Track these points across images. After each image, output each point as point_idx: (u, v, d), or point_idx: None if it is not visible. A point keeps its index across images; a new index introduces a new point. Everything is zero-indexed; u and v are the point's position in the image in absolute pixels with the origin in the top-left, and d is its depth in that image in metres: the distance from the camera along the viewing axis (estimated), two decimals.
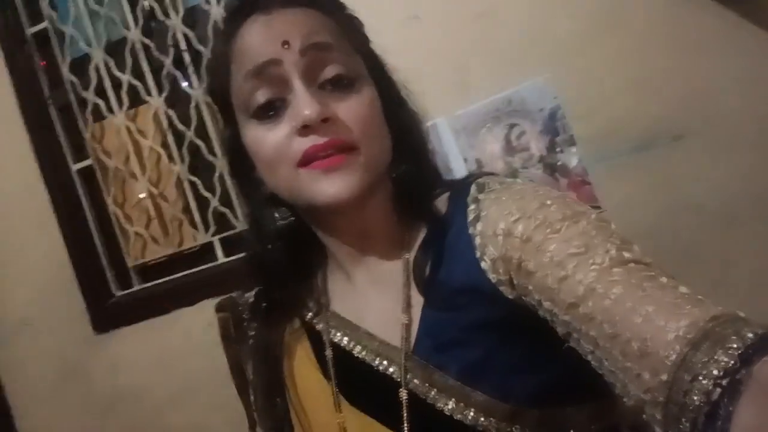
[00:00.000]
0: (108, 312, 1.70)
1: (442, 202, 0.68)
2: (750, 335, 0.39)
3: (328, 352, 0.70)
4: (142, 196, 1.67)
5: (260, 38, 0.61)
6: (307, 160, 0.60)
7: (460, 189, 0.66)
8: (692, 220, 1.40)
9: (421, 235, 0.67)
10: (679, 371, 0.41)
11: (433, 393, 0.61)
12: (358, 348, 0.68)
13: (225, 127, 0.70)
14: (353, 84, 0.62)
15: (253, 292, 0.79)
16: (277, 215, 0.69)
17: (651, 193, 1.42)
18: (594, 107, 1.44)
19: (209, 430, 1.64)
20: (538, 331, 0.56)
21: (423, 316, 0.64)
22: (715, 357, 0.39)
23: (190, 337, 1.64)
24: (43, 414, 1.75)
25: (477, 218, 0.61)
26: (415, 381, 0.62)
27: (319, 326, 0.73)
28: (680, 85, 1.40)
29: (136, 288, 1.71)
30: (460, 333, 0.61)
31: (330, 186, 0.60)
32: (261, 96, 0.61)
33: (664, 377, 0.42)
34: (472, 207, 0.62)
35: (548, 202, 0.56)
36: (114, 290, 1.71)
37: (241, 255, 1.54)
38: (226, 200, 1.63)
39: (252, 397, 0.77)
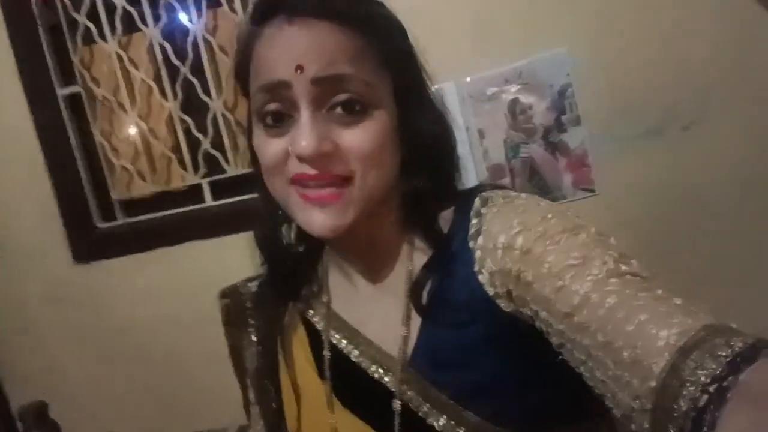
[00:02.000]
0: (89, 243, 1.67)
1: (447, 216, 0.67)
2: (739, 344, 0.40)
3: (326, 353, 0.70)
4: (132, 132, 1.61)
5: (276, 54, 0.58)
6: (298, 183, 0.60)
7: (464, 202, 0.65)
8: (690, 211, 1.41)
9: (424, 248, 0.67)
10: (668, 378, 0.41)
11: (426, 407, 0.62)
12: (356, 352, 0.68)
13: (247, 113, 0.68)
14: (365, 109, 0.59)
15: (256, 282, 0.79)
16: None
17: (651, 181, 1.42)
18: (606, 89, 1.41)
19: (189, 361, 1.67)
20: (534, 349, 0.56)
21: (421, 330, 0.64)
22: (704, 364, 0.39)
23: (171, 276, 1.64)
24: (22, 338, 1.76)
25: (478, 232, 0.61)
26: (410, 393, 0.63)
27: (319, 325, 0.72)
28: (694, 74, 1.37)
29: (119, 221, 1.68)
30: (457, 353, 0.61)
31: (316, 220, 0.59)
32: (269, 108, 0.60)
33: (653, 384, 0.42)
34: (474, 221, 0.62)
35: (549, 216, 0.57)
36: (96, 222, 1.68)
37: (231, 199, 1.56)
38: (218, 143, 1.59)
39: (248, 382, 0.78)
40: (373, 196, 0.61)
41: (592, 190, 1.45)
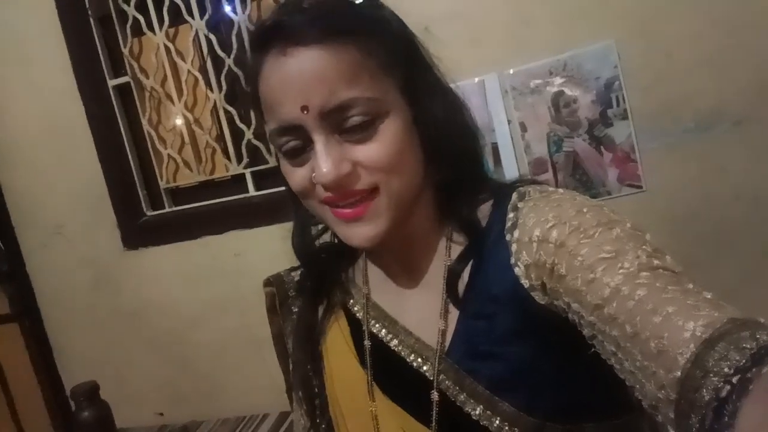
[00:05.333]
0: (138, 230, 1.74)
1: (485, 210, 0.68)
2: (765, 337, 0.40)
3: (367, 342, 0.72)
4: (179, 122, 1.65)
5: (279, 95, 0.59)
6: (329, 204, 0.62)
7: (502, 197, 0.66)
8: (737, 210, 1.36)
9: (462, 242, 0.68)
10: (692, 368, 0.41)
11: (462, 397, 0.63)
12: (395, 342, 0.70)
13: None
14: (374, 122, 0.59)
15: (299, 272, 0.81)
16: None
17: (700, 179, 1.37)
18: (654, 82, 1.37)
19: (232, 346, 1.72)
20: (567, 342, 0.57)
21: (459, 323, 0.66)
22: (728, 356, 0.39)
23: (215, 264, 1.68)
24: (71, 320, 1.84)
25: (514, 225, 0.61)
26: (447, 383, 0.64)
27: (359, 314, 0.74)
28: (748, 69, 1.31)
29: (167, 210, 1.74)
30: (493, 344, 0.62)
31: (354, 235, 0.62)
32: (287, 147, 0.62)
33: (678, 374, 0.42)
34: (510, 215, 0.62)
35: (584, 210, 0.57)
36: (145, 209, 1.74)
37: (273, 190, 1.58)
38: (260, 133, 1.61)
39: (291, 369, 0.81)
40: (402, 200, 0.62)
41: (640, 186, 1.41)
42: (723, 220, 1.36)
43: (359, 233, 0.62)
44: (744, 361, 0.39)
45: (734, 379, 0.38)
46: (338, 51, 0.58)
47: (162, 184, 1.72)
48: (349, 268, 0.79)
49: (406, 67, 0.63)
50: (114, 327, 1.80)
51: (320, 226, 0.77)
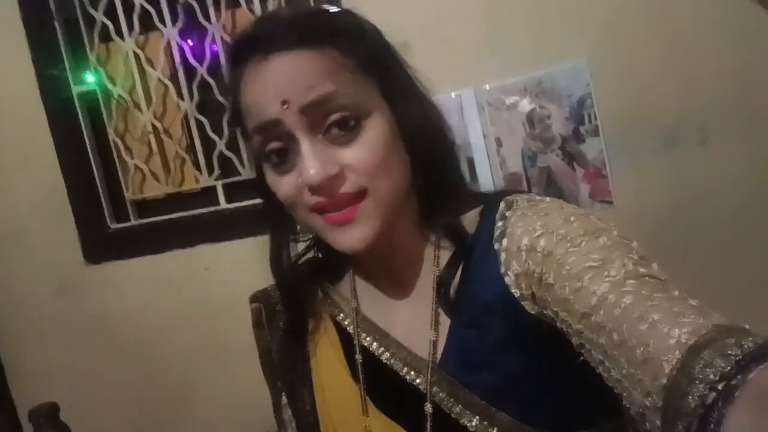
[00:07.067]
0: (101, 244, 1.66)
1: (472, 217, 0.68)
2: (750, 344, 0.40)
3: (359, 356, 0.71)
4: (147, 131, 1.60)
5: (260, 96, 0.60)
6: (317, 210, 0.62)
7: (489, 206, 0.66)
8: (705, 217, 1.41)
9: (450, 250, 0.68)
10: (678, 375, 0.41)
11: (458, 409, 0.63)
12: (387, 355, 0.69)
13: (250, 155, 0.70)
14: (359, 121, 0.60)
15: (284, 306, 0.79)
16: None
17: (668, 190, 1.43)
18: (624, 100, 1.42)
19: (199, 363, 1.66)
20: (557, 351, 0.57)
21: (450, 333, 0.65)
22: (714, 362, 0.40)
23: (182, 279, 1.63)
24: (29, 330, 1.74)
25: (503, 234, 0.61)
26: (441, 395, 0.64)
27: (349, 328, 0.73)
28: (715, 83, 1.38)
29: (132, 222, 1.67)
30: (485, 354, 0.62)
31: (345, 239, 0.62)
32: (270, 147, 0.62)
33: (663, 381, 0.42)
34: (499, 224, 0.62)
35: (572, 219, 0.58)
36: (109, 222, 1.67)
37: (246, 203, 1.55)
38: (233, 145, 1.58)
39: (279, 385, 0.79)
40: (390, 203, 0.62)
41: (610, 202, 1.45)
42: (690, 233, 1.42)
43: (349, 237, 0.61)
44: (729, 368, 0.39)
45: (720, 386, 0.38)
46: (318, 51, 0.59)
47: (128, 196, 1.66)
48: (336, 283, 0.78)
49: (385, 71, 0.64)
50: (73, 344, 1.71)
51: (301, 246, 0.77)
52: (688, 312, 0.46)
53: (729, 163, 1.40)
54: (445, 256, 0.67)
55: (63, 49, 1.59)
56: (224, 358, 1.61)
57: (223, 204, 1.62)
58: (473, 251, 0.65)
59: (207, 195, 1.64)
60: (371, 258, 0.71)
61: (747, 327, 0.43)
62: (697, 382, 0.40)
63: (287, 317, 0.77)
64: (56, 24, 1.58)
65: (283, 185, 0.62)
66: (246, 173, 1.58)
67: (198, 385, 1.68)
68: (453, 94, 1.47)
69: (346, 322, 0.74)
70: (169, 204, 1.66)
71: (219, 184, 1.61)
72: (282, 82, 0.58)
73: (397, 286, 0.71)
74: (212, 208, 1.62)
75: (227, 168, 1.60)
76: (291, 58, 0.59)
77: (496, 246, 0.61)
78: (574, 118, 1.44)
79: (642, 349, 0.45)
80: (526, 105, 1.45)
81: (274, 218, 0.71)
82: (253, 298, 0.81)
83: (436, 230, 0.69)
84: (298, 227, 0.73)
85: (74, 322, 1.71)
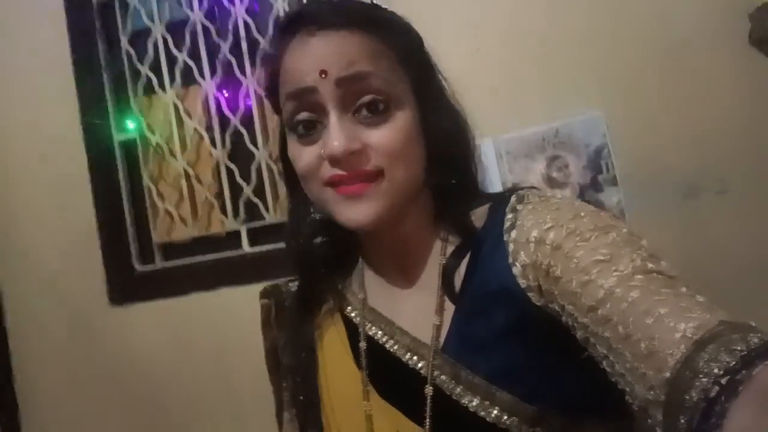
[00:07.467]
0: (126, 286, 1.70)
1: (481, 213, 0.69)
2: (755, 340, 0.40)
3: (363, 344, 0.72)
4: (179, 177, 1.68)
5: (301, 63, 0.63)
6: (332, 184, 0.64)
7: (500, 200, 0.68)
8: (725, 270, 1.38)
9: (457, 243, 0.69)
10: (682, 369, 0.41)
11: (459, 389, 0.63)
12: (391, 342, 0.70)
13: (279, 126, 0.73)
14: (389, 108, 0.63)
15: (297, 282, 0.81)
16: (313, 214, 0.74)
17: (686, 240, 1.41)
18: (641, 150, 1.44)
19: (210, 412, 1.64)
20: (561, 345, 0.57)
21: (454, 319, 0.66)
22: (718, 357, 0.40)
23: (205, 322, 1.64)
24: (45, 372, 1.75)
25: (512, 226, 0.62)
26: (442, 377, 0.64)
27: (357, 319, 0.75)
28: (733, 136, 1.39)
29: (158, 266, 1.72)
30: (488, 337, 0.63)
31: (353, 213, 0.63)
32: (299, 116, 0.64)
33: (667, 375, 0.42)
34: (509, 216, 0.64)
35: (582, 214, 0.58)
36: (136, 265, 1.71)
37: (268, 247, 1.58)
38: (259, 191, 1.64)
39: (284, 382, 0.79)
40: (403, 189, 0.64)
41: None
42: (708, 285, 1.38)
43: (358, 211, 0.63)
44: (734, 362, 0.39)
45: (723, 380, 0.38)
46: (364, 35, 0.63)
47: (156, 238, 1.72)
48: (346, 277, 0.79)
49: (420, 69, 0.68)
50: (89, 381, 1.71)
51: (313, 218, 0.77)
52: (695, 308, 0.46)
53: (749, 215, 1.39)
54: (452, 247, 0.69)
55: (108, 100, 1.71)
56: (238, 411, 1.58)
57: (246, 248, 1.66)
58: (483, 243, 0.66)
59: (231, 239, 1.68)
60: (381, 251, 0.73)
61: (753, 324, 0.43)
62: (701, 375, 0.40)
63: (298, 286, 0.78)
64: (104, 76, 1.71)
65: (305, 155, 0.65)
66: (270, 218, 1.63)
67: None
68: None
69: (353, 314, 0.75)
70: (194, 247, 1.71)
71: (244, 229, 1.66)
72: (324, 54, 0.62)
73: (404, 276, 0.72)
74: (235, 252, 1.66)
75: (252, 212, 1.65)
76: (336, 36, 0.62)
77: (505, 237, 0.62)
78: (591, 167, 1.47)
79: (647, 342, 0.45)
80: (544, 155, 1.49)
81: (294, 190, 0.73)
82: (264, 293, 0.82)
83: (446, 225, 0.70)
84: (311, 209, 0.74)
85: (93, 362, 1.71)
